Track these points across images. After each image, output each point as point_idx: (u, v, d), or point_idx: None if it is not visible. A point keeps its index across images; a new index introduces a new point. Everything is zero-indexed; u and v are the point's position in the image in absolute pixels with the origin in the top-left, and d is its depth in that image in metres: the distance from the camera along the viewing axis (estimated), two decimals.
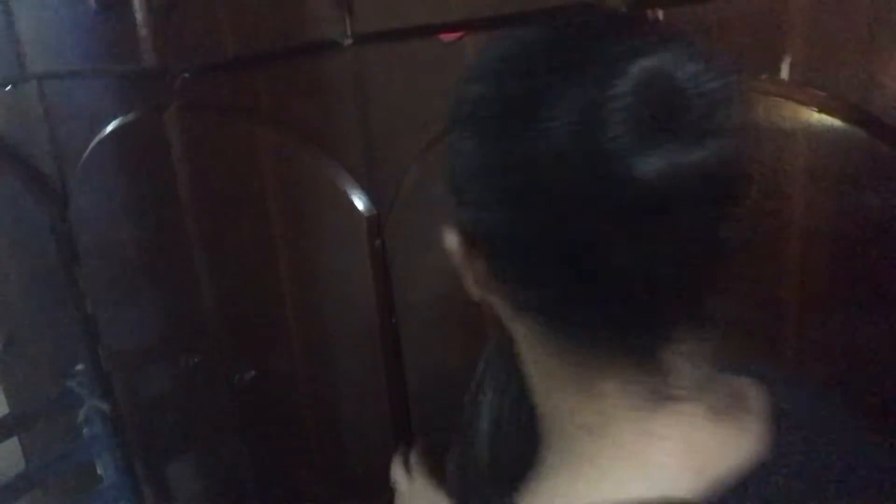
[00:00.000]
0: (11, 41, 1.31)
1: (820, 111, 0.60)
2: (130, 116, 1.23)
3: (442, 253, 0.43)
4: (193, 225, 1.21)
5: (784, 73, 0.61)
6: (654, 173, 0.31)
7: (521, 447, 0.45)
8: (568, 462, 0.40)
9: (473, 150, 0.37)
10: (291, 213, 1.04)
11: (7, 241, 1.63)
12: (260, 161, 1.04)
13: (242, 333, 1.23)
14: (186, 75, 1.11)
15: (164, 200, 1.23)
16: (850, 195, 0.60)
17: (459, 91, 0.38)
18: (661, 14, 0.64)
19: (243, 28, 0.97)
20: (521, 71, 0.36)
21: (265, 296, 1.13)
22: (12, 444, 1.80)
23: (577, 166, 0.33)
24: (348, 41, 0.87)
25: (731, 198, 0.35)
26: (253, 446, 1.33)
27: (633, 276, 0.35)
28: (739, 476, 0.37)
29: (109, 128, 1.26)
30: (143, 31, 1.06)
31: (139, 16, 1.06)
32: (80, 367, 1.55)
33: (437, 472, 0.84)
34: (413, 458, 0.89)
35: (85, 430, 1.57)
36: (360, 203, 0.95)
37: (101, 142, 1.28)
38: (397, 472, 0.88)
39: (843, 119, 0.59)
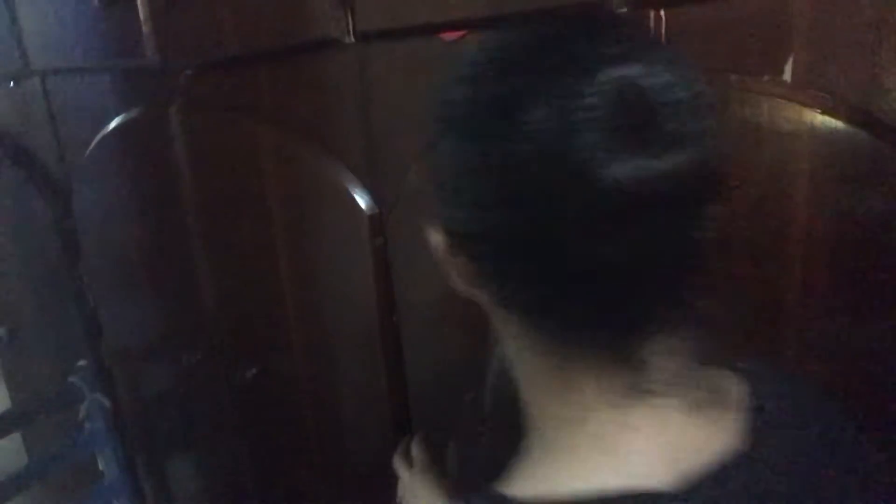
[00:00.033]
0: (14, 37, 1.31)
1: (822, 113, 0.59)
2: (134, 113, 1.23)
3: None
4: (195, 222, 1.21)
5: (786, 74, 0.61)
6: (624, 180, 0.33)
7: (510, 436, 0.47)
8: (549, 451, 0.42)
9: (454, 151, 0.39)
10: (293, 211, 1.05)
11: (10, 237, 1.63)
12: (261, 159, 1.05)
13: (243, 331, 1.23)
14: (189, 73, 1.11)
15: (166, 197, 1.24)
16: (853, 197, 0.60)
17: (442, 93, 0.40)
18: (661, 14, 0.64)
19: (245, 26, 0.97)
20: (499, 75, 0.37)
21: (266, 293, 1.13)
22: (14, 438, 1.81)
23: (550, 170, 0.34)
24: (350, 39, 0.87)
25: (703, 201, 0.36)
26: (253, 444, 1.33)
27: (607, 276, 0.36)
28: (714, 468, 0.39)
29: (113, 124, 1.26)
30: (145, 28, 1.06)
31: (142, 12, 1.06)
32: (82, 362, 1.56)
33: (438, 461, 0.85)
34: (414, 448, 0.90)
35: (86, 426, 1.57)
36: (361, 201, 0.95)
37: (104, 138, 1.29)
38: (399, 461, 0.90)
39: (846, 120, 0.59)
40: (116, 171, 1.33)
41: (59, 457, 1.57)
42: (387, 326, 0.99)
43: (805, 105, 0.60)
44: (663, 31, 0.65)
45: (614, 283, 0.36)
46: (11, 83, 1.43)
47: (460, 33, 0.77)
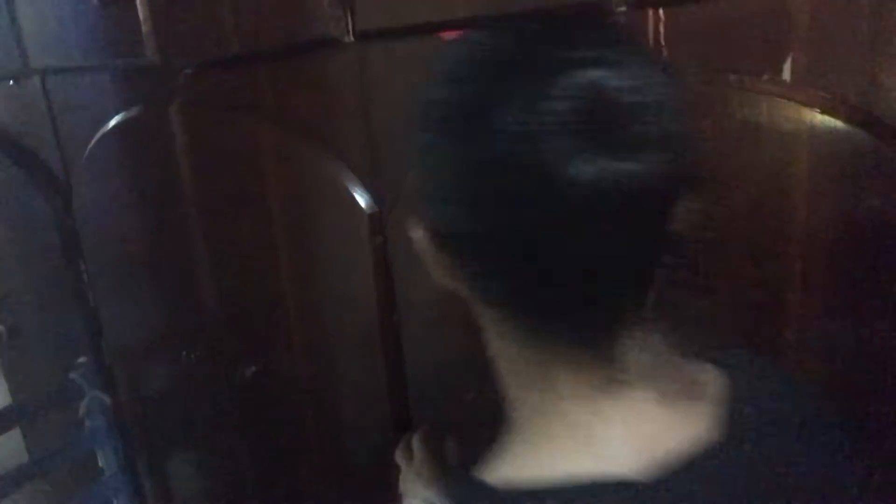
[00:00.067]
0: (14, 36, 1.31)
1: (822, 112, 0.60)
2: (133, 112, 1.23)
3: None
4: (195, 221, 1.21)
5: (786, 73, 0.61)
6: (590, 181, 0.34)
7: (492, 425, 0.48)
8: (528, 441, 0.44)
9: (432, 150, 0.40)
10: (293, 210, 1.05)
11: (11, 234, 1.63)
12: (262, 158, 1.05)
13: (243, 329, 1.23)
14: (188, 72, 1.11)
15: (166, 196, 1.24)
16: (852, 196, 0.60)
17: (420, 93, 0.41)
18: (660, 13, 0.64)
19: (246, 25, 0.97)
20: (474, 76, 0.38)
21: (266, 292, 1.13)
22: (15, 434, 1.81)
23: (520, 170, 0.35)
24: (350, 39, 0.87)
25: (671, 199, 0.38)
26: (253, 442, 1.34)
27: (577, 272, 0.37)
28: (687, 458, 0.40)
29: (113, 122, 1.26)
30: (145, 27, 1.06)
31: (141, 12, 1.06)
32: (82, 359, 1.56)
33: (438, 455, 0.85)
34: (415, 440, 0.91)
35: (87, 422, 1.57)
36: (361, 200, 0.95)
37: (104, 136, 1.29)
38: (400, 455, 0.90)
39: (845, 120, 0.59)
40: (116, 169, 1.33)
41: (60, 453, 1.57)
42: (387, 326, 0.99)
43: (804, 104, 0.60)
44: (662, 30, 0.65)
45: (584, 280, 0.38)
46: (11, 82, 1.43)
47: (460, 32, 0.77)
